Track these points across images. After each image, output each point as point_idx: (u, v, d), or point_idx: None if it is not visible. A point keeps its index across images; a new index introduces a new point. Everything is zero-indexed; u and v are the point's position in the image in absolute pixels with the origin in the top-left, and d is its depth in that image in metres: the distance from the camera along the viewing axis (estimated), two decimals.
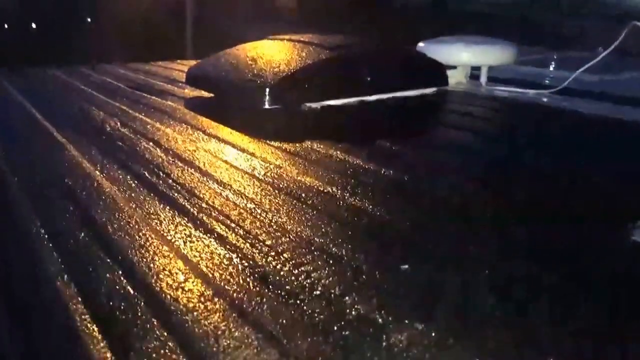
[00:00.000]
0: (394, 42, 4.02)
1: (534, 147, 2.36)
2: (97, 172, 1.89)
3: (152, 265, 1.29)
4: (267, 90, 2.63)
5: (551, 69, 4.65)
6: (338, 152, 2.14)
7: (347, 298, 1.17)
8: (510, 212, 1.66)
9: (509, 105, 3.23)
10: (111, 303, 1.14)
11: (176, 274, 1.25)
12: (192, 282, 1.22)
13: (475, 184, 1.90)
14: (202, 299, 1.16)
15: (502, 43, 3.73)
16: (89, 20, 8.84)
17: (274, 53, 3.03)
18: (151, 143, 2.23)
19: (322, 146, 2.21)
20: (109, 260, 1.31)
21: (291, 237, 1.44)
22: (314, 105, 2.82)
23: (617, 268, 1.34)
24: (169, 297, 1.17)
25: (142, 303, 1.14)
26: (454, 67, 3.67)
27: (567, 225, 1.56)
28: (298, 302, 1.16)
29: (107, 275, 1.24)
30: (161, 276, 1.24)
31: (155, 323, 1.08)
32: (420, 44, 3.74)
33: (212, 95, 3.05)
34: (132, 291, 1.18)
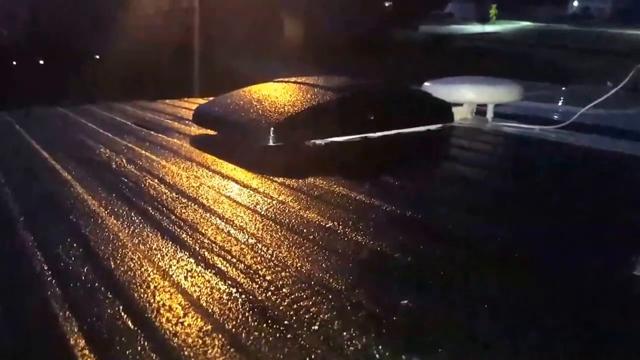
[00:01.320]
0: (398, 83, 4.06)
1: (538, 181, 2.37)
2: (101, 208, 1.91)
3: (152, 300, 1.30)
4: (272, 127, 2.65)
5: (558, 104, 4.68)
6: (341, 188, 2.15)
7: (345, 333, 1.17)
8: (513, 246, 1.66)
9: (514, 141, 3.24)
10: (110, 336, 1.15)
11: (176, 308, 1.26)
12: (192, 317, 1.22)
13: (479, 218, 1.90)
14: (201, 334, 1.16)
15: (507, 82, 3.77)
16: (97, 57, 8.98)
17: (279, 94, 3.07)
18: (156, 180, 2.25)
19: (325, 182, 2.23)
20: (110, 294, 1.32)
21: (291, 271, 1.45)
22: (318, 141, 2.84)
23: (616, 303, 1.34)
24: (168, 331, 1.17)
25: (142, 338, 1.15)
26: (460, 104, 3.70)
27: (570, 258, 1.56)
28: (296, 336, 1.16)
29: (108, 310, 1.25)
30: (161, 311, 1.25)
31: (154, 357, 1.08)
32: (426, 84, 3.79)
33: (218, 133, 3.08)
34: (131, 325, 1.19)
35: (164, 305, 1.27)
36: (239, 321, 1.21)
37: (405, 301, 1.30)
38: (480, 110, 3.82)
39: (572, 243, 1.69)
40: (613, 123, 3.72)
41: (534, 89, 4.84)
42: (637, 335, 1.20)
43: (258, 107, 2.87)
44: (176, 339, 1.15)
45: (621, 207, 2.03)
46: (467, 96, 3.66)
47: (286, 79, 3.36)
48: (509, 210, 2.01)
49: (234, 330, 1.18)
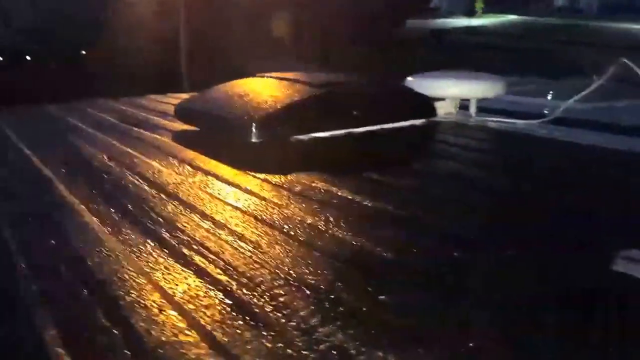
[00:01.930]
0: (380, 79, 4.04)
1: (521, 176, 2.37)
2: (81, 205, 1.90)
3: (128, 296, 1.29)
4: (254, 123, 2.65)
5: (542, 99, 4.69)
6: (323, 184, 2.15)
7: (323, 328, 1.17)
8: (497, 240, 1.66)
9: (497, 136, 3.24)
10: (85, 332, 1.15)
11: (151, 305, 1.25)
12: (167, 314, 1.22)
13: (462, 213, 1.90)
14: (176, 330, 1.16)
15: (489, 77, 3.77)
16: (83, 52, 8.92)
17: (261, 90, 3.06)
18: (136, 176, 2.24)
19: (307, 178, 2.22)
20: (86, 291, 1.31)
21: (270, 268, 1.44)
22: (301, 137, 2.83)
23: (595, 296, 1.34)
24: (143, 327, 1.16)
25: (118, 333, 1.14)
26: (444, 99, 3.69)
27: (552, 253, 1.56)
28: (274, 332, 1.16)
29: (84, 306, 1.24)
30: (137, 308, 1.24)
31: (129, 354, 1.08)
32: (409, 79, 3.77)
33: (200, 129, 3.07)
34: (104, 320, 1.18)
35: (140, 301, 1.27)
36: (215, 317, 1.21)
37: (383, 296, 1.30)
38: (464, 105, 3.82)
39: (552, 237, 1.69)
40: (598, 117, 3.72)
41: (519, 83, 4.84)
42: (615, 329, 1.20)
43: (240, 103, 2.86)
44: (151, 335, 1.14)
45: (602, 202, 2.03)
46: (449, 91, 3.66)
47: (268, 74, 3.34)
48: (492, 205, 2.01)
49: (209, 326, 1.17)
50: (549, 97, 4.24)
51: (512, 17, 17.94)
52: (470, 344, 1.12)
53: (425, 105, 3.41)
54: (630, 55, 3.35)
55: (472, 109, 3.71)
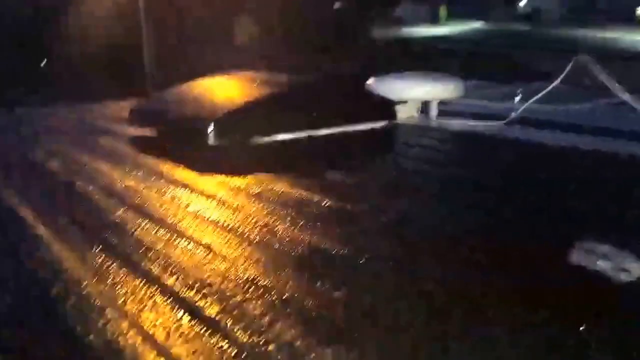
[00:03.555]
0: (341, 81, 4.02)
1: (480, 174, 2.36)
2: (28, 212, 1.84)
3: (68, 302, 1.24)
4: (212, 125, 2.60)
5: (501, 102, 4.70)
6: (281, 185, 2.11)
7: (274, 327, 1.14)
8: (453, 236, 1.64)
9: (455, 136, 3.25)
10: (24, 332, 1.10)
11: (93, 307, 1.21)
12: (108, 317, 1.17)
13: (420, 211, 1.89)
14: (117, 333, 1.12)
15: (448, 78, 3.77)
16: (45, 60, 8.77)
17: (219, 91, 3.01)
18: (88, 181, 2.18)
19: (265, 179, 2.18)
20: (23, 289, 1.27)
21: (221, 269, 1.40)
22: (262, 139, 2.79)
23: (552, 286, 1.33)
24: (86, 330, 1.12)
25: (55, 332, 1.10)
26: (405, 102, 3.68)
27: (511, 248, 1.55)
28: (224, 332, 1.12)
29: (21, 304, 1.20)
30: (81, 315, 1.19)
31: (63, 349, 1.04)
32: (370, 81, 3.76)
33: (157, 133, 3.01)
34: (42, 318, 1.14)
35: (82, 307, 1.22)
36: (161, 318, 1.17)
37: (339, 292, 1.28)
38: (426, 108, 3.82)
39: (510, 233, 1.68)
40: (557, 118, 3.75)
41: (480, 87, 4.86)
42: (577, 320, 1.19)
43: (198, 105, 2.81)
44: (90, 336, 1.10)
45: (559, 198, 2.03)
46: (409, 92, 3.65)
47: (226, 74, 3.29)
48: (449, 203, 2.00)
49: (151, 329, 1.13)
50: (517, 99, 4.27)
51: (475, 24, 18.11)
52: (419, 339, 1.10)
53: (386, 107, 3.39)
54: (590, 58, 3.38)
55: (433, 111, 3.71)
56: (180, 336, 1.11)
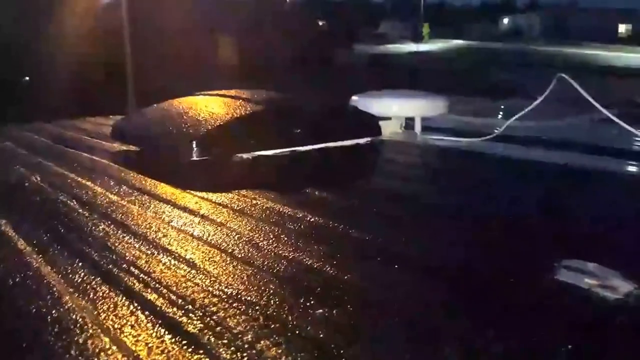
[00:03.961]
0: (324, 97, 4.04)
1: (463, 191, 2.37)
2: (8, 227, 1.81)
3: (50, 317, 1.21)
4: (195, 141, 2.58)
5: (485, 118, 4.73)
6: (264, 200, 2.10)
7: (257, 344, 1.12)
8: (435, 256, 1.63)
9: (440, 152, 3.25)
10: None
11: (79, 327, 1.18)
12: (90, 333, 1.15)
13: (402, 229, 1.87)
14: (99, 349, 1.09)
15: (431, 95, 3.79)
16: (27, 78, 8.75)
17: (202, 107, 3.00)
18: (69, 197, 2.15)
19: (248, 195, 2.17)
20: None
21: (204, 284, 1.38)
22: (245, 156, 2.78)
23: (539, 302, 1.32)
24: (63, 348, 1.09)
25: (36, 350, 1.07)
26: (389, 119, 3.69)
27: (497, 264, 1.55)
28: (205, 348, 1.10)
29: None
30: (62, 330, 1.16)
31: None
32: (354, 98, 3.77)
33: (139, 149, 2.99)
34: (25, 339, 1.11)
35: (63, 323, 1.19)
36: (140, 335, 1.14)
37: (320, 310, 1.25)
38: (410, 125, 3.83)
39: (495, 250, 1.67)
40: (541, 134, 3.77)
41: (465, 104, 4.89)
42: (563, 335, 1.18)
43: (180, 121, 2.80)
44: (75, 355, 1.07)
45: (543, 214, 2.04)
46: (393, 109, 3.66)
47: (210, 92, 3.29)
48: (432, 221, 1.99)
49: (133, 346, 1.11)
50: (500, 116, 4.29)
51: (458, 42, 18.35)
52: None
53: (369, 124, 3.40)
54: (569, 75, 3.40)
55: (417, 128, 3.72)
56: (162, 352, 1.08)
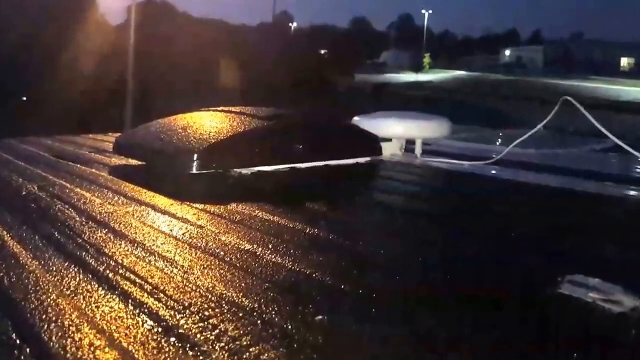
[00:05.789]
0: (327, 116, 4.04)
1: (462, 209, 2.36)
2: (8, 236, 1.78)
3: (52, 325, 1.18)
4: (195, 155, 2.57)
5: (485, 145, 4.74)
6: (263, 213, 2.08)
7: (253, 348, 1.09)
8: (436, 269, 1.61)
9: (440, 173, 3.25)
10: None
11: (79, 333, 1.15)
12: (84, 333, 1.12)
13: (399, 243, 1.86)
14: (94, 349, 1.06)
15: (434, 118, 3.79)
16: (24, 99, 8.77)
17: (204, 122, 2.99)
18: (68, 207, 2.13)
19: (247, 208, 2.15)
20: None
21: (202, 291, 1.36)
22: (244, 171, 2.76)
23: (544, 315, 1.30)
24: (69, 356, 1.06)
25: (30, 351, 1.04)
26: (390, 140, 3.69)
27: (502, 280, 1.53)
28: (202, 352, 1.07)
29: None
30: (63, 336, 1.14)
31: None
32: (356, 118, 3.77)
33: (140, 163, 2.97)
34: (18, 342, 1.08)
35: (65, 329, 1.16)
36: (137, 337, 1.11)
37: (320, 316, 1.23)
38: (410, 148, 3.82)
39: (499, 267, 1.65)
40: (541, 160, 3.77)
41: (465, 131, 4.91)
42: (565, 347, 1.16)
43: (182, 135, 2.78)
44: (66, 354, 1.04)
45: (540, 232, 2.03)
46: (395, 130, 3.65)
47: (211, 108, 3.28)
48: (433, 236, 1.98)
49: (133, 349, 1.08)
50: (499, 142, 4.30)
51: (458, 73, 18.48)
52: None
53: (371, 143, 3.39)
54: (570, 108, 3.40)
55: (418, 150, 3.72)
56: (159, 352, 1.06)
